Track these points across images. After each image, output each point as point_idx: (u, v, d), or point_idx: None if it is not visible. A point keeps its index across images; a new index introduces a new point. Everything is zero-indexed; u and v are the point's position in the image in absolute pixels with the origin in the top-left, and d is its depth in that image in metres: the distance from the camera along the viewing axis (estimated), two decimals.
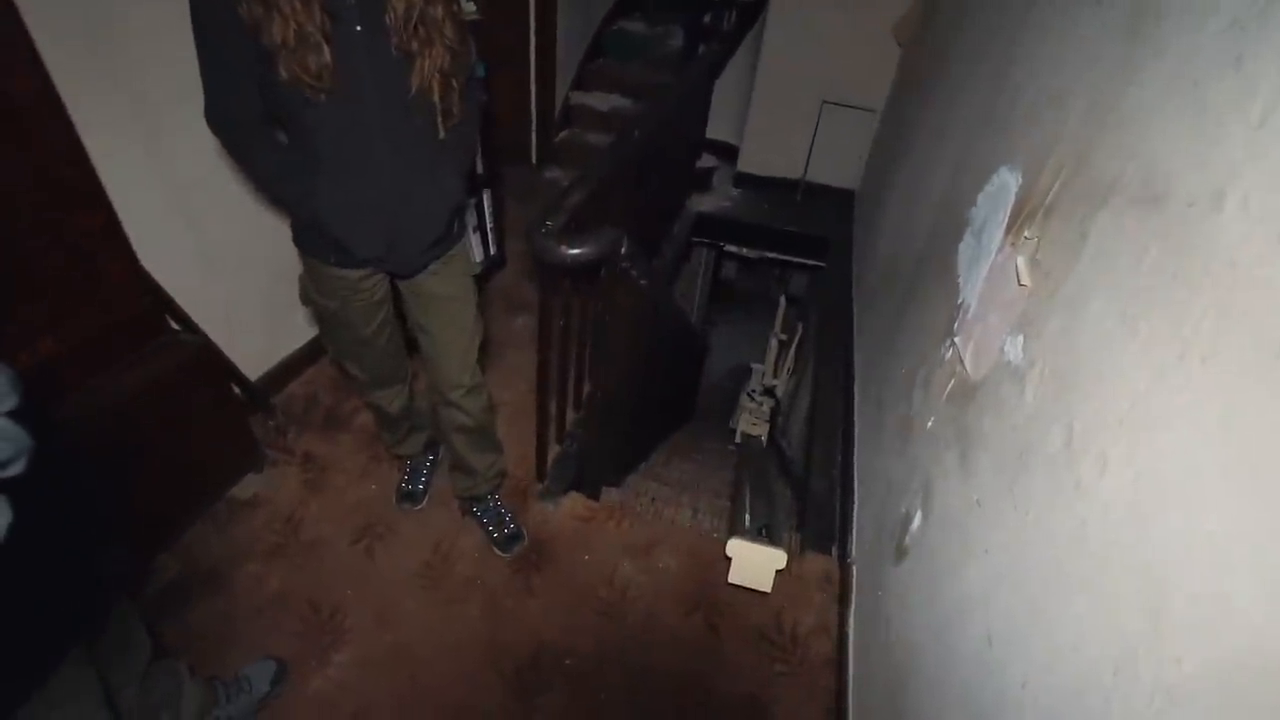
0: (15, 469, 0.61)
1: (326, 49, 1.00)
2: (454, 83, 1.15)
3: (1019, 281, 1.01)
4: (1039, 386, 0.89)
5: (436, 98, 1.13)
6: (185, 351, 1.60)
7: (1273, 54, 0.58)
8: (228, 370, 1.86)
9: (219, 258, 1.82)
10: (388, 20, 1.04)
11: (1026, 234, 1.05)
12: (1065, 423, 0.80)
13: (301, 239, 1.29)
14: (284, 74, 1.00)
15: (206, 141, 1.29)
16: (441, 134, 1.18)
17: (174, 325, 1.64)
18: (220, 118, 1.10)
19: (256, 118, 1.11)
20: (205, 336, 1.69)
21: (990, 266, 1.18)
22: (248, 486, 1.87)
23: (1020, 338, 0.98)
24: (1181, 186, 0.67)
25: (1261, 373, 0.52)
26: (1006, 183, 1.20)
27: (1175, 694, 0.54)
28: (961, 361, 1.21)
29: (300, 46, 0.99)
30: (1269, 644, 0.48)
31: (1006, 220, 1.15)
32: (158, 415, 1.54)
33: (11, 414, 0.61)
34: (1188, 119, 0.69)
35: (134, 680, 1.11)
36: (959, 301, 1.30)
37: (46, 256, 1.31)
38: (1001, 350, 1.04)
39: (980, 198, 1.32)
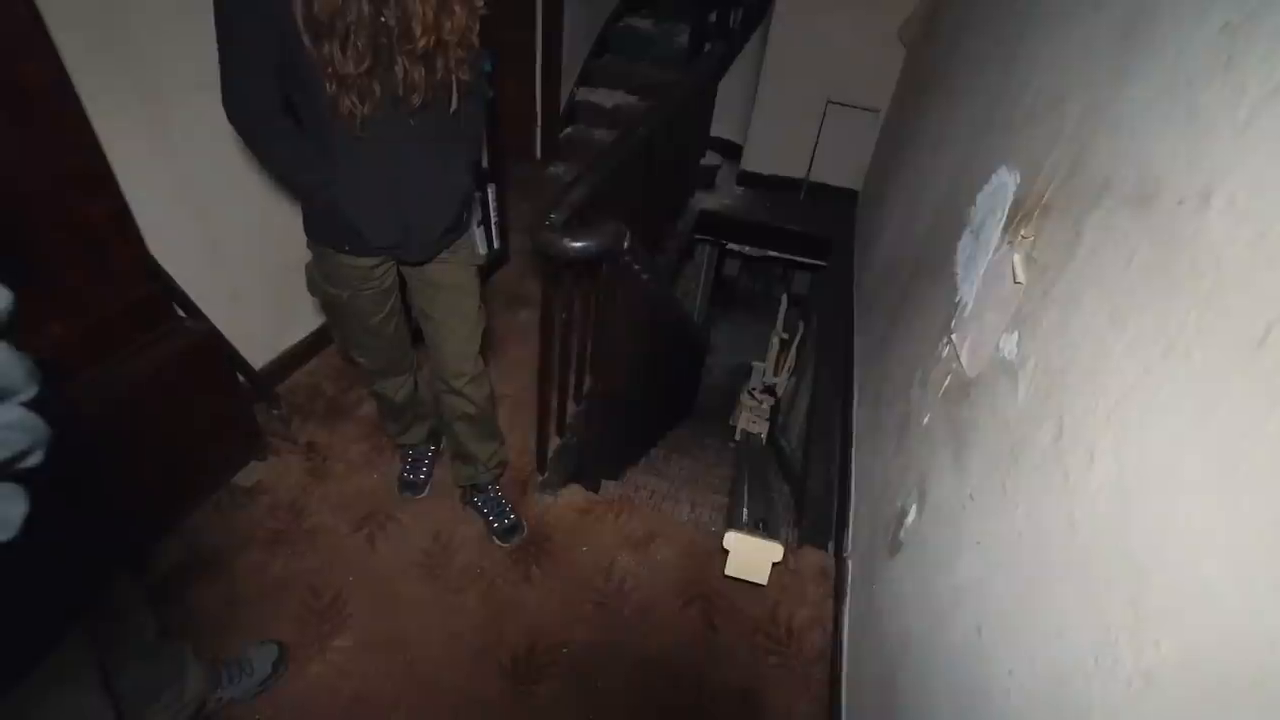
0: (34, 459, 0.60)
1: (377, 86, 1.06)
2: (466, 69, 1.16)
3: (1015, 279, 1.03)
4: (1032, 382, 0.91)
5: (453, 82, 1.15)
6: (191, 339, 1.62)
7: (1260, 57, 0.59)
8: (232, 358, 1.87)
9: (226, 246, 1.84)
10: (414, 27, 1.06)
11: (1023, 232, 1.06)
12: (1056, 418, 0.81)
13: (314, 228, 1.31)
14: (342, 108, 1.06)
15: (217, 130, 1.30)
16: (454, 105, 1.19)
17: (180, 312, 1.66)
18: (238, 108, 1.11)
19: (275, 108, 1.12)
20: (211, 324, 1.70)
21: (988, 264, 1.20)
22: (250, 474, 1.89)
23: (1015, 334, 1.00)
24: (1171, 186, 0.68)
25: (1240, 366, 0.53)
26: (1005, 182, 1.22)
27: (1153, 676, 0.56)
28: (958, 359, 1.22)
29: (362, 77, 1.04)
30: (1243, 627, 0.50)
31: (1004, 219, 1.17)
32: (162, 401, 1.56)
33: (30, 404, 0.61)
34: (1179, 120, 0.70)
35: (136, 660, 1.13)
36: (957, 299, 1.32)
37: (56, 242, 1.33)
38: (997, 347, 1.05)
39: (979, 197, 1.34)
